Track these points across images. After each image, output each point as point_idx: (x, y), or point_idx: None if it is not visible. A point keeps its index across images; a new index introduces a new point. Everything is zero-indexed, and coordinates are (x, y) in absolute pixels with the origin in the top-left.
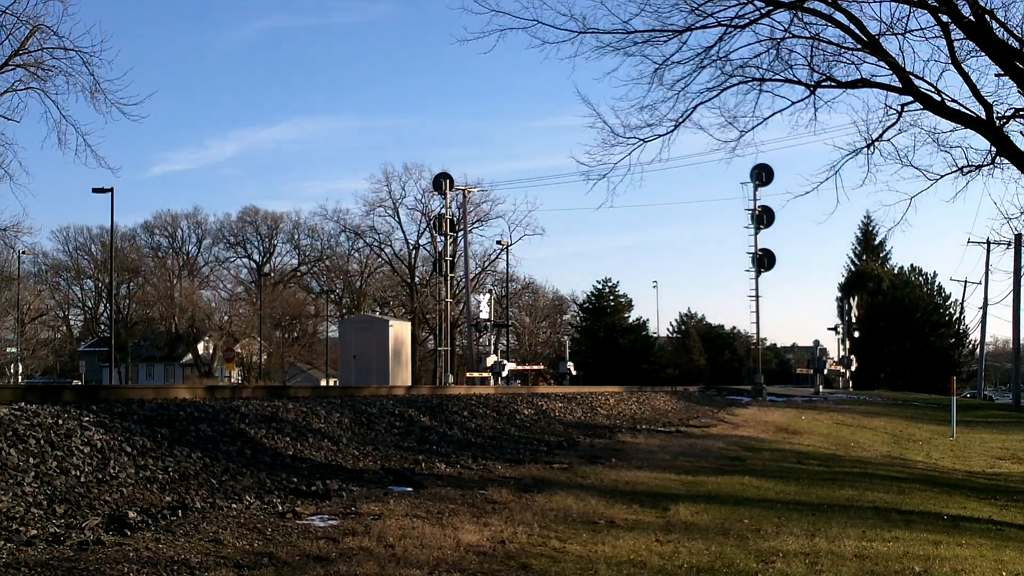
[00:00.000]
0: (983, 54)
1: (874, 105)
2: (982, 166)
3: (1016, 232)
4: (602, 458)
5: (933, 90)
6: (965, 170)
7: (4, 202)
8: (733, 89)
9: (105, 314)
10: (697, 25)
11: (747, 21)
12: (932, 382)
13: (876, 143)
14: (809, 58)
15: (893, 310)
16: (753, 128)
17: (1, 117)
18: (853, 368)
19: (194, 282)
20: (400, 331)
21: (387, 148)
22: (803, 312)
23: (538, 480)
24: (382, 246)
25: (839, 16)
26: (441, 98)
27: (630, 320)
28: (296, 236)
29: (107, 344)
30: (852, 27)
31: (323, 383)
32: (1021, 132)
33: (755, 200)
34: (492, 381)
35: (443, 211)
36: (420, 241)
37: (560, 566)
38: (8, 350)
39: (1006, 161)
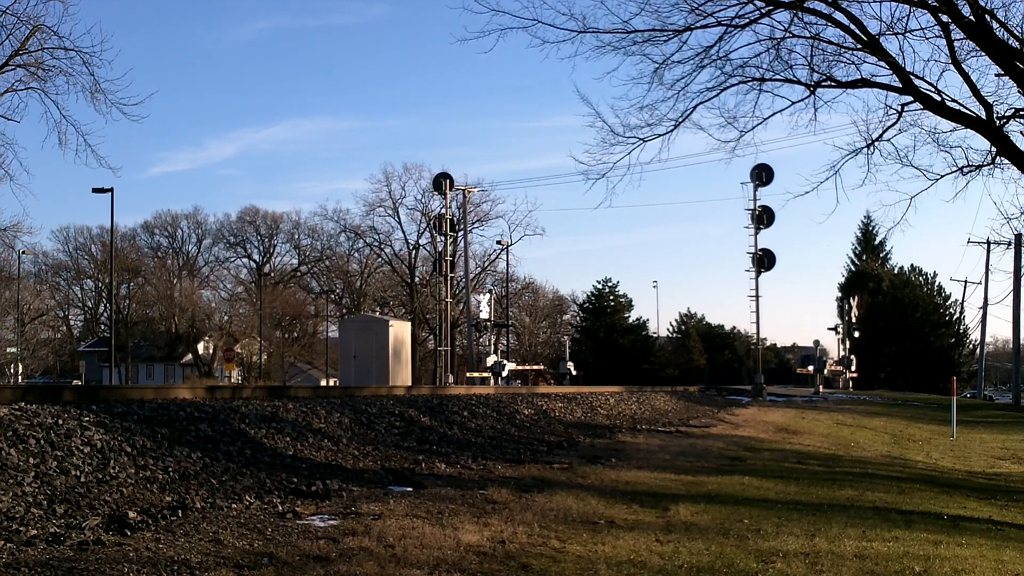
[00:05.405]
0: (983, 54)
1: (874, 105)
2: (982, 166)
3: (1016, 232)
4: (602, 458)
5: (933, 90)
6: (965, 170)
7: (4, 202)
8: (733, 89)
9: (105, 314)
10: (697, 25)
11: (747, 21)
12: (932, 382)
13: (876, 143)
14: (809, 58)
15: (893, 310)
16: (753, 128)
17: (1, 117)
18: (853, 368)
19: (194, 282)
20: (400, 331)
21: (387, 148)
22: (803, 312)
23: (538, 480)
24: (382, 246)
25: (839, 16)
26: (441, 98)
27: (630, 320)
28: (296, 236)
29: (107, 344)
30: (852, 27)
31: (323, 383)
32: (1021, 132)
33: (755, 200)
34: (492, 381)
35: (443, 211)
36: (420, 241)
37: (560, 566)
38: (8, 350)
39: (1006, 161)
